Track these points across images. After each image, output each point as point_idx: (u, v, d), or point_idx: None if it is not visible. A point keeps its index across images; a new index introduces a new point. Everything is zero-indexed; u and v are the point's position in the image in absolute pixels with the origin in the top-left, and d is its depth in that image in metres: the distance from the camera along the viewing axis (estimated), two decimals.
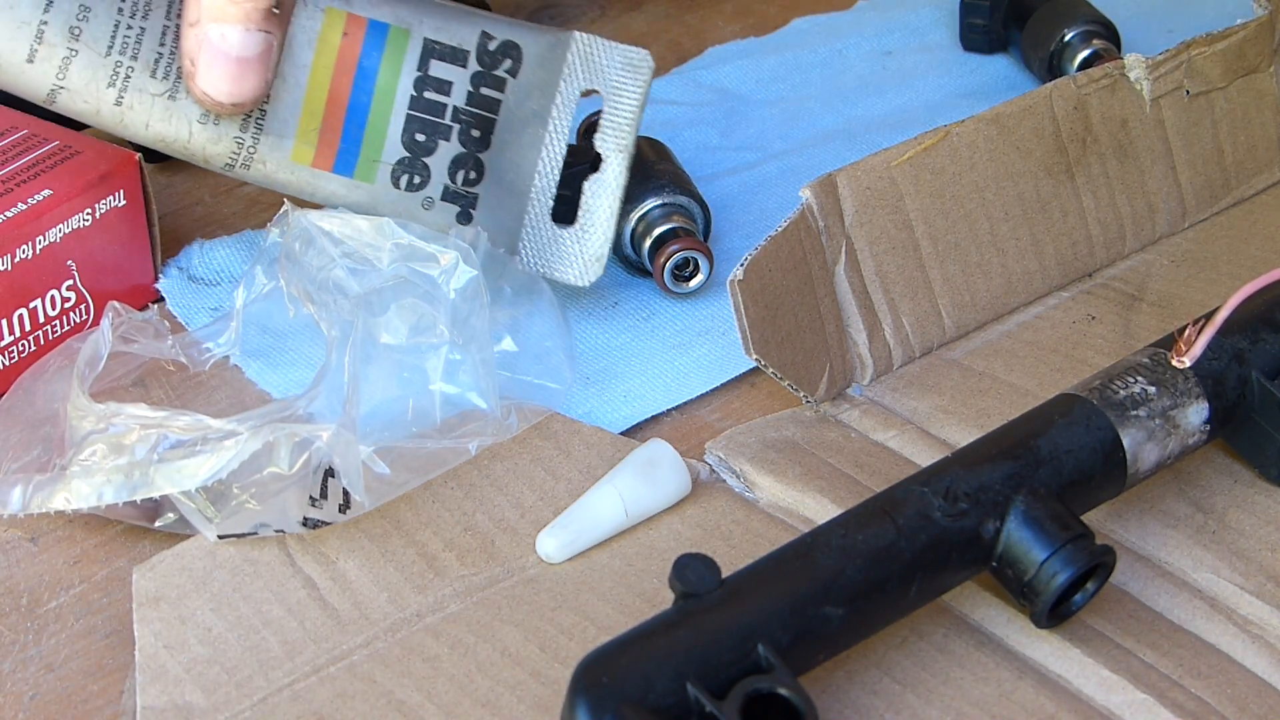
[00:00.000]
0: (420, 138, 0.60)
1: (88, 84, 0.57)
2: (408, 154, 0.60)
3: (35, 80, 0.57)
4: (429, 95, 0.60)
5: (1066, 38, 0.77)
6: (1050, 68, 0.78)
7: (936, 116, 0.71)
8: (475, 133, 0.61)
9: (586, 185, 0.62)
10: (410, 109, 0.60)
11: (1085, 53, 0.76)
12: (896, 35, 0.86)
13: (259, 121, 0.59)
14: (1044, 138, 0.64)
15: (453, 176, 0.61)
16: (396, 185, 0.60)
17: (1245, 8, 0.70)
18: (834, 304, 0.60)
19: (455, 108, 0.60)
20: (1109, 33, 0.77)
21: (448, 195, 0.61)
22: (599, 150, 0.62)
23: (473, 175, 0.61)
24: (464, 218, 0.61)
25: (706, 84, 0.82)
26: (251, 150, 0.59)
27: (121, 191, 0.63)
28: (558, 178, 0.62)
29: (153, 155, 0.74)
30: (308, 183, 0.60)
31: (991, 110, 0.63)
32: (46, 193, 0.61)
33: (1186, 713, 0.47)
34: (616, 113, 0.62)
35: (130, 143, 0.73)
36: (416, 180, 0.60)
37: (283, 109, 0.59)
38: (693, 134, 0.77)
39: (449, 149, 0.61)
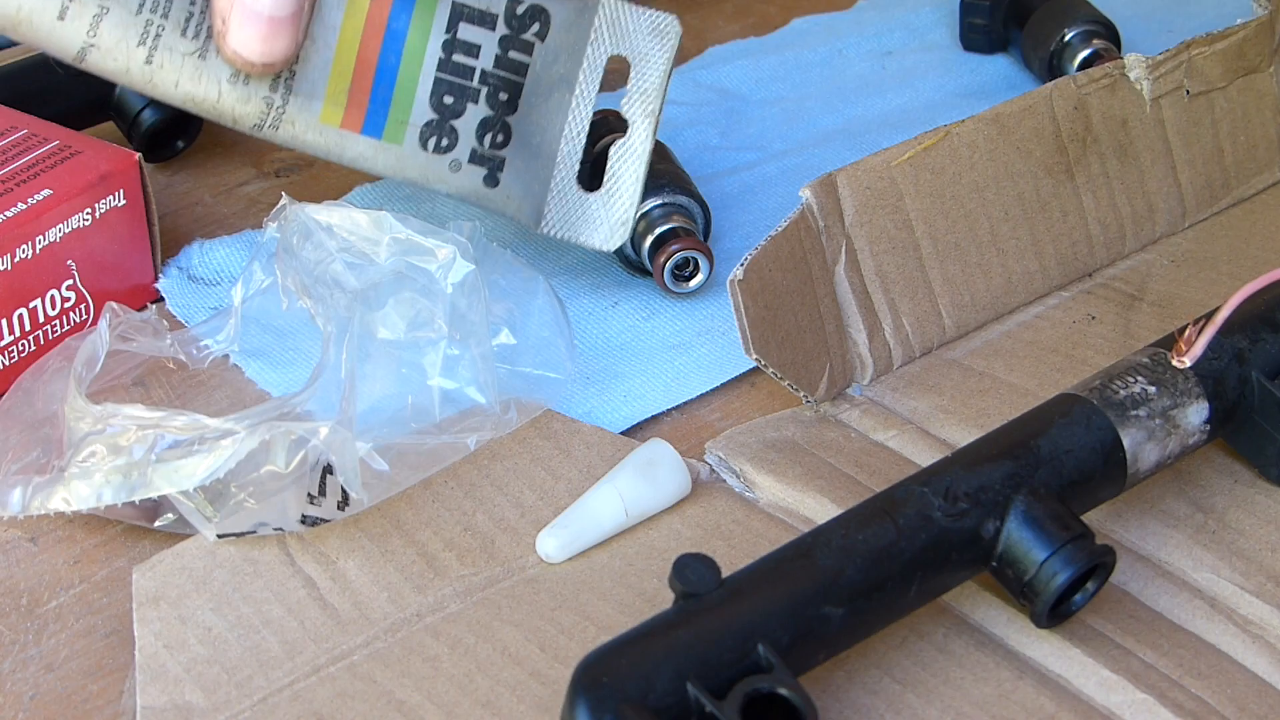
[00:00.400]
0: (448, 100, 0.60)
1: (118, 42, 0.57)
2: (436, 116, 0.60)
3: (66, 38, 0.57)
4: (457, 58, 0.60)
5: (1066, 37, 0.77)
6: (1050, 67, 0.78)
7: (936, 116, 0.71)
8: (503, 96, 0.61)
9: (613, 150, 0.63)
10: (439, 71, 0.60)
11: (1085, 52, 0.76)
12: (896, 35, 0.86)
13: (288, 82, 0.58)
14: (1044, 138, 0.64)
15: (480, 139, 0.61)
16: (424, 147, 0.61)
17: (1245, 8, 0.70)
18: (834, 304, 0.60)
19: (483, 71, 0.61)
20: (1109, 32, 0.77)
21: (475, 158, 0.61)
22: (625, 115, 0.63)
23: (500, 138, 0.61)
24: (490, 181, 0.61)
25: (706, 84, 0.82)
26: (281, 111, 0.59)
27: (121, 191, 0.63)
28: (584, 142, 0.63)
29: (153, 154, 0.74)
30: (336, 144, 0.60)
31: (991, 110, 0.63)
32: (46, 193, 0.61)
33: (1186, 713, 0.47)
34: (643, 78, 0.63)
35: (131, 141, 0.73)
36: (444, 143, 0.60)
37: (312, 70, 0.59)
38: (693, 134, 0.77)
39: (477, 112, 0.61)
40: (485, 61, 0.60)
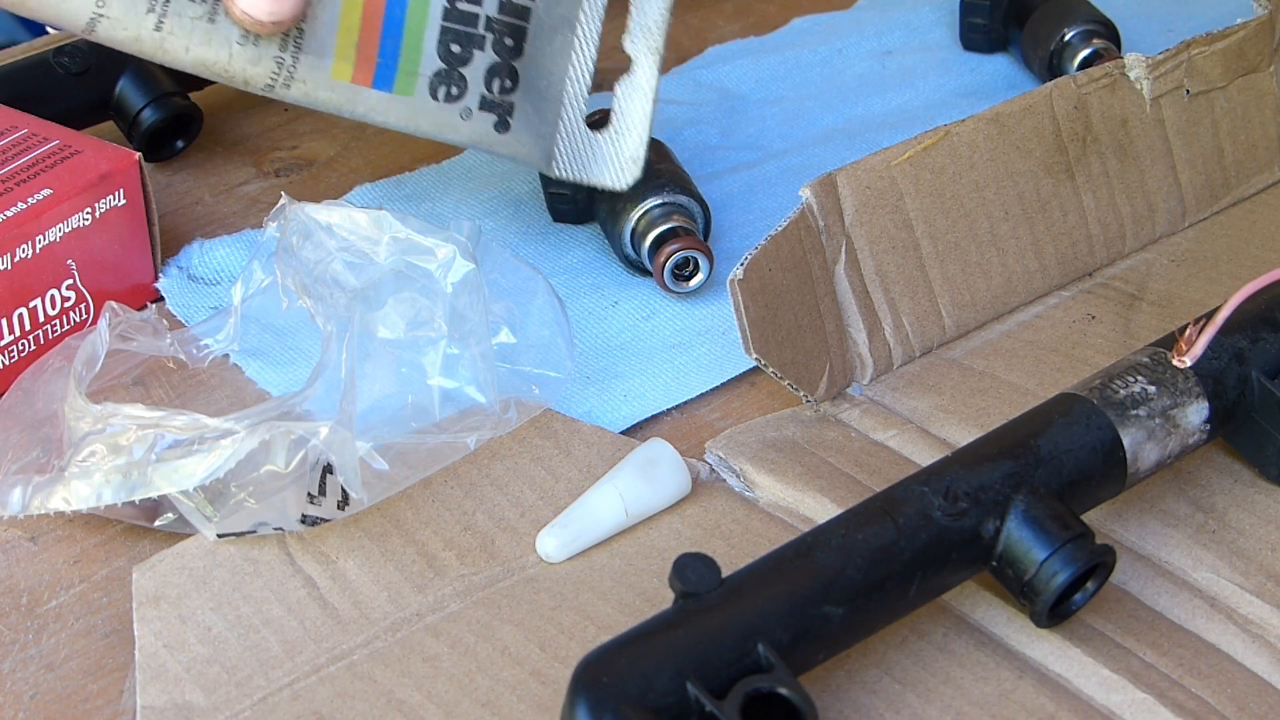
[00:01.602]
0: (455, 48, 0.61)
1: (127, 10, 0.57)
2: (444, 65, 0.61)
3: (75, 8, 0.56)
4: (462, 5, 0.60)
5: (1066, 37, 0.77)
6: (1050, 67, 0.78)
7: (936, 116, 0.71)
8: (508, 41, 0.61)
9: (619, 88, 0.64)
10: (444, 20, 0.61)
11: (1085, 52, 0.76)
12: (896, 35, 0.86)
13: (297, 40, 0.58)
14: (1044, 137, 0.64)
15: (489, 86, 0.61)
16: (435, 97, 0.61)
17: (1245, 7, 0.70)
18: (834, 303, 0.60)
19: (488, 17, 0.61)
20: (1109, 32, 0.77)
21: (485, 105, 0.61)
22: (629, 52, 0.63)
23: (508, 84, 0.61)
24: (501, 126, 0.62)
25: (706, 83, 0.82)
26: (291, 70, 0.59)
27: (121, 191, 0.63)
28: (590, 83, 0.63)
29: (153, 154, 0.74)
30: (348, 99, 0.60)
31: (991, 110, 0.63)
32: (46, 192, 0.61)
33: (1186, 712, 0.47)
34: (644, 14, 0.63)
35: (131, 141, 0.73)
36: (454, 91, 0.61)
37: (320, 26, 0.59)
38: (693, 134, 0.77)
39: (484, 58, 0.61)
40: (489, 8, 0.61)
